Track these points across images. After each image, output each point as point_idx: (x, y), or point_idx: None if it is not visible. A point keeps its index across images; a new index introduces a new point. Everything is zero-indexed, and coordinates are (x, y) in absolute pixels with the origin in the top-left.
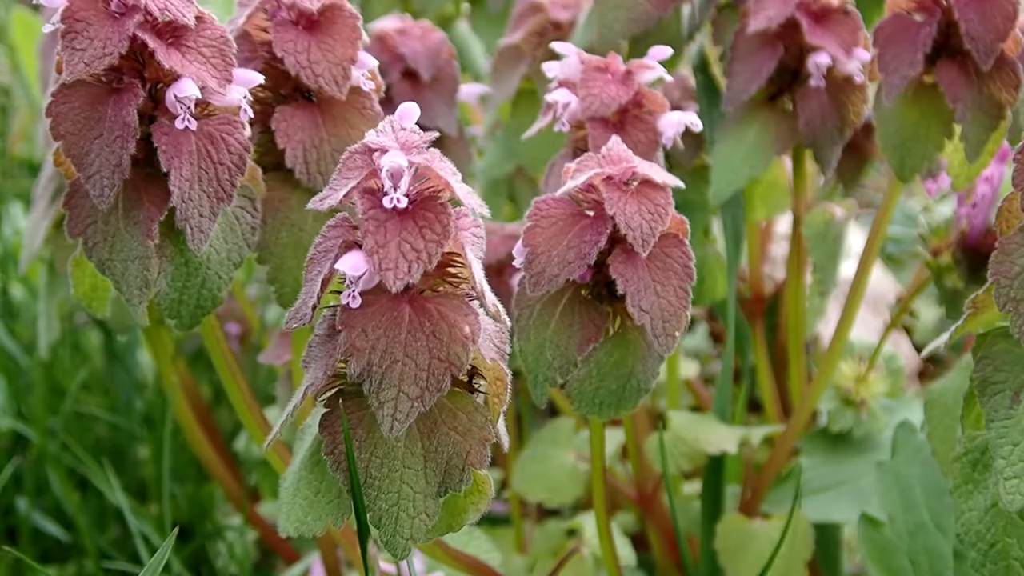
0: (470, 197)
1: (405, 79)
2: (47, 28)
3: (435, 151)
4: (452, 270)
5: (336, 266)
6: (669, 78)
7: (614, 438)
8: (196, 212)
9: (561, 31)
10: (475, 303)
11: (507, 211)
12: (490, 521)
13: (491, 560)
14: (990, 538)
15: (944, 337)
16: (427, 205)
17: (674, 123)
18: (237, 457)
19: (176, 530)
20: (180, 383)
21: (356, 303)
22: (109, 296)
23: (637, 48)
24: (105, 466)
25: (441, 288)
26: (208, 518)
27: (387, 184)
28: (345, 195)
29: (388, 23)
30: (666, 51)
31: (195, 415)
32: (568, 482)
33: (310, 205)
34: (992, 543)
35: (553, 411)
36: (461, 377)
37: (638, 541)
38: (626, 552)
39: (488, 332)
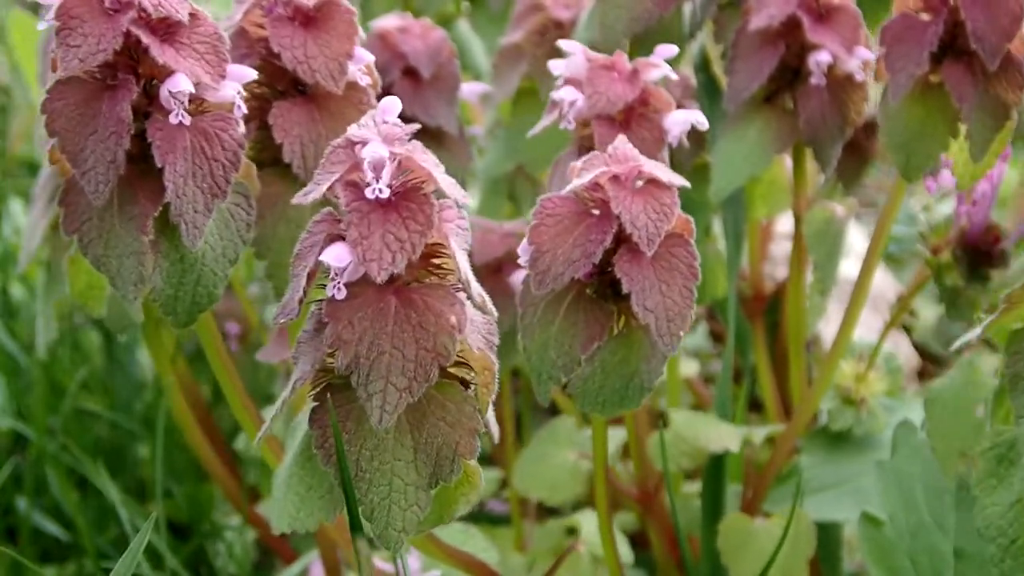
0: (453, 188)
1: (406, 77)
2: (41, 26)
3: (417, 143)
4: (437, 261)
5: (320, 258)
6: (675, 76)
7: (614, 437)
8: (191, 208)
9: (562, 30)
10: (461, 294)
11: (507, 210)
12: (490, 520)
13: (488, 558)
14: (1012, 533)
15: (977, 331)
16: (410, 196)
17: (680, 121)
18: (238, 456)
19: (154, 517)
20: (180, 382)
21: (342, 295)
22: (105, 294)
23: (638, 47)
24: (102, 467)
25: (427, 280)
26: (207, 518)
27: (369, 175)
28: (329, 188)
29: (389, 21)
30: (672, 50)
31: (195, 414)
32: (569, 480)
33: (295, 200)
34: (1014, 539)
35: (554, 410)
36: (451, 370)
37: (637, 540)
38: (623, 550)
39: (475, 323)
